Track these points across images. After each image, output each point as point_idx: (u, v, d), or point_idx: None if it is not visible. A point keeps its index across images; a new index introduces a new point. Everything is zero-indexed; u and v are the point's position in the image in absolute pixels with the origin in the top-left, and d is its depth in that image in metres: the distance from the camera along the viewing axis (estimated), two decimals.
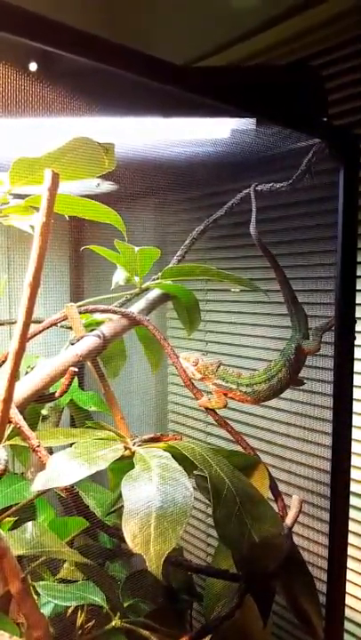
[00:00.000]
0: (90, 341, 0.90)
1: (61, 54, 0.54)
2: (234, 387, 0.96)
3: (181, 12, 1.19)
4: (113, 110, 0.70)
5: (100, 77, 0.59)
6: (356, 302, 0.91)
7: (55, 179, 0.53)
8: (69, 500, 0.77)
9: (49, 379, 0.86)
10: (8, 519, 0.90)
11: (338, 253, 0.88)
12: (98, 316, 1.00)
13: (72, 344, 0.90)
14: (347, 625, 1.14)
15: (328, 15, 1.10)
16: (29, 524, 0.87)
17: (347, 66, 1.11)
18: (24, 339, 0.58)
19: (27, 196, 0.72)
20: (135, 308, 1.03)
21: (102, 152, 0.64)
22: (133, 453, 0.77)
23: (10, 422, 0.74)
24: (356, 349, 0.92)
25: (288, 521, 0.93)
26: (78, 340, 0.90)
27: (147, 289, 1.04)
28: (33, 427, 0.77)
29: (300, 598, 0.91)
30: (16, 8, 0.50)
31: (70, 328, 0.93)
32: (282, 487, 0.98)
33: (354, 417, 0.94)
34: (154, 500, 0.66)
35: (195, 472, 0.87)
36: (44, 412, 1.09)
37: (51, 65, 0.57)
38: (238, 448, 0.96)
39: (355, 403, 0.94)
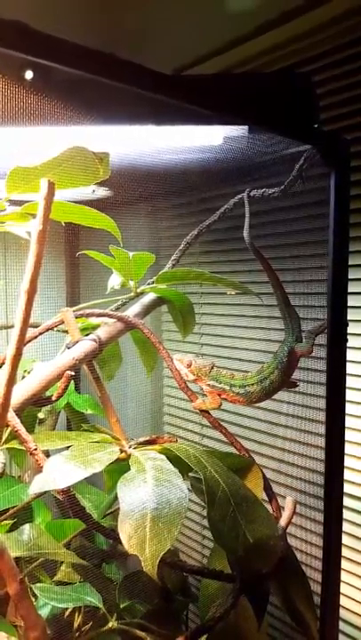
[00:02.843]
0: (86, 345, 0.91)
1: (54, 66, 0.55)
2: (227, 387, 0.97)
3: (176, 17, 1.20)
4: (107, 119, 0.70)
5: (93, 87, 0.60)
6: (348, 305, 0.92)
7: (51, 187, 0.54)
8: (66, 503, 0.78)
9: (45, 382, 0.86)
10: (5, 521, 0.91)
11: (330, 256, 0.89)
12: (93, 320, 1.01)
13: (68, 348, 0.91)
14: (342, 626, 1.14)
15: (322, 20, 1.11)
16: (26, 526, 0.87)
17: (341, 70, 1.12)
18: (21, 344, 0.58)
19: (23, 202, 0.73)
20: (130, 312, 1.04)
21: (97, 161, 0.65)
22: (129, 456, 0.78)
23: (7, 426, 0.74)
24: (348, 351, 0.93)
25: (282, 522, 0.94)
26: (74, 344, 0.91)
27: (142, 293, 1.05)
28: (30, 430, 0.77)
29: (294, 599, 0.92)
30: (10, 22, 0.51)
31: (66, 332, 0.94)
32: (276, 488, 0.98)
33: (347, 418, 0.95)
34: (149, 502, 0.66)
35: (189, 474, 0.88)
36: (40, 415, 1.09)
37: (44, 75, 0.58)
38: (233, 450, 0.97)
39: (348, 404, 0.95)
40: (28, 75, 0.59)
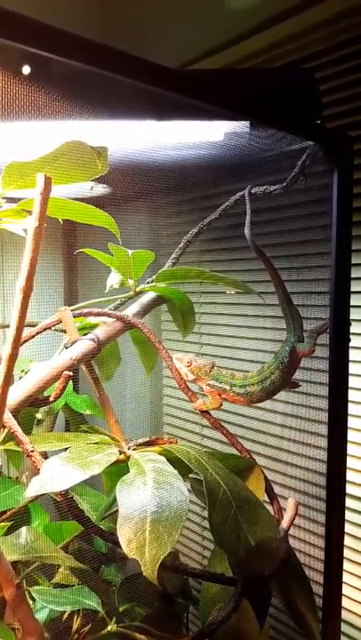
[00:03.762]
0: (84, 345, 0.90)
1: (55, 58, 0.54)
2: (227, 387, 0.96)
3: (177, 14, 1.19)
4: (106, 113, 0.69)
5: (92, 80, 0.59)
6: (351, 304, 0.91)
7: (47, 183, 0.53)
8: (64, 505, 0.77)
9: (43, 383, 0.85)
10: (2, 524, 0.90)
11: (332, 255, 0.88)
12: (92, 320, 0.99)
13: (66, 348, 0.90)
14: (343, 627, 1.14)
15: (323, 17, 1.11)
16: (23, 528, 0.86)
17: (342, 67, 1.12)
18: (17, 343, 0.57)
19: (20, 199, 0.72)
20: (129, 311, 1.03)
21: (95, 156, 0.64)
22: (128, 457, 0.76)
23: (4, 427, 0.73)
24: (350, 351, 0.92)
25: (284, 524, 0.93)
26: (72, 344, 0.90)
27: (141, 292, 1.04)
28: (27, 431, 0.76)
29: (296, 601, 0.91)
30: (9, 13, 0.49)
31: (64, 332, 0.92)
32: (277, 490, 0.97)
33: (349, 419, 0.94)
34: (149, 505, 0.65)
35: (190, 475, 0.87)
36: (38, 415, 1.08)
37: (44, 68, 0.57)
38: (234, 451, 0.96)
39: (350, 404, 0.94)
40: (27, 68, 0.57)
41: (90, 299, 1.03)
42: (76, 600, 0.90)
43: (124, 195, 0.89)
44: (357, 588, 1.15)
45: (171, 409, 1.57)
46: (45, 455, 0.76)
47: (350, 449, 1.06)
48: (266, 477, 0.95)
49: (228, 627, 0.85)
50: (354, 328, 0.94)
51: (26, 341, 0.87)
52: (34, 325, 0.90)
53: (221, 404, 0.96)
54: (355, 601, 1.16)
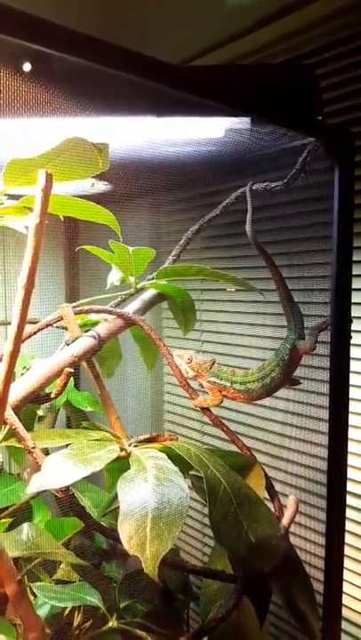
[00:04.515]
0: (85, 342, 0.90)
1: (55, 54, 0.54)
2: (227, 384, 0.96)
3: (177, 11, 1.19)
4: (106, 110, 0.69)
5: (93, 77, 0.59)
6: (352, 301, 0.91)
7: (49, 179, 0.53)
8: (65, 501, 0.77)
9: (44, 379, 0.85)
10: (4, 520, 0.90)
11: (333, 252, 0.88)
12: (93, 317, 0.99)
13: (67, 345, 0.90)
14: (344, 625, 1.14)
15: (323, 13, 1.11)
16: (25, 525, 0.86)
17: (341, 64, 1.11)
18: (19, 340, 0.58)
19: (21, 196, 0.72)
20: (130, 309, 1.03)
21: (96, 152, 0.64)
22: (129, 454, 0.77)
23: (5, 423, 0.73)
24: (351, 348, 0.92)
25: (284, 521, 0.93)
26: (74, 341, 0.90)
27: (142, 289, 1.04)
28: (29, 427, 0.76)
29: (296, 599, 0.91)
30: (8, 8, 0.49)
31: (66, 328, 0.93)
32: (278, 487, 0.97)
33: (350, 416, 0.94)
34: (149, 502, 0.65)
35: (190, 472, 0.87)
36: (40, 412, 1.08)
37: (44, 65, 0.57)
38: (234, 448, 0.96)
39: (351, 402, 0.94)
40: (28, 65, 0.57)
41: (91, 296, 1.03)
42: (78, 596, 0.90)
43: (124, 192, 0.89)
44: (358, 586, 1.15)
45: (171, 406, 1.57)
46: (47, 452, 0.76)
47: (351, 447, 1.06)
48: (266, 475, 0.95)
49: (228, 624, 0.85)
50: (355, 325, 0.94)
51: (27, 338, 0.87)
52: (35, 322, 0.90)
53: (222, 401, 0.96)
54: (355, 599, 1.16)
